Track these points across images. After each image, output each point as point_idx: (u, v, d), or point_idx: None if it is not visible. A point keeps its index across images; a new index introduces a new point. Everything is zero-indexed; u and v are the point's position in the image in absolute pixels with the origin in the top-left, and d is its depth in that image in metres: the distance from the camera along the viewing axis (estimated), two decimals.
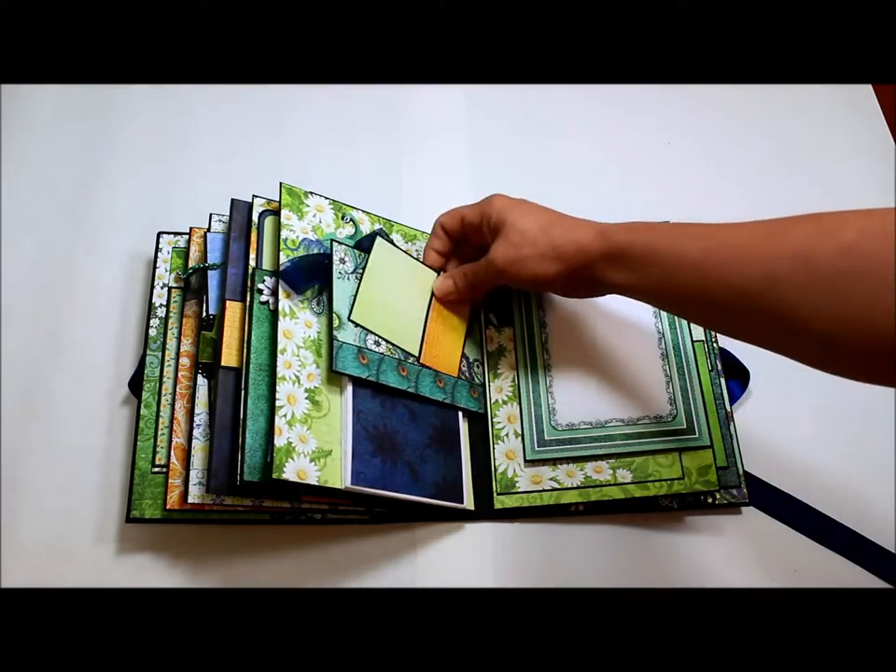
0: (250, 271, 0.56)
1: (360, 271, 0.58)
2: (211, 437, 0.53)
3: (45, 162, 0.71)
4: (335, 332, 0.54)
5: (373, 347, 0.55)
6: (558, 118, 0.77)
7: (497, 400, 0.60)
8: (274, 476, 0.48)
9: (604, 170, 0.74)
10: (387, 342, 0.56)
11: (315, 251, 0.58)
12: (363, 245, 0.60)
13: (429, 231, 0.65)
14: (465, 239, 0.59)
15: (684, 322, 0.60)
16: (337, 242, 0.58)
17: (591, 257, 0.50)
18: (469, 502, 0.57)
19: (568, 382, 0.59)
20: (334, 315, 0.55)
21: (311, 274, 0.56)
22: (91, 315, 0.64)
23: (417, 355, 0.57)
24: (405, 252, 0.61)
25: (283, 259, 0.56)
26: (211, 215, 0.62)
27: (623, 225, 0.50)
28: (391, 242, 0.61)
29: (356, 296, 0.56)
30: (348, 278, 0.57)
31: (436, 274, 0.61)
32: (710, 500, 0.57)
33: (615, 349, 0.60)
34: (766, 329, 0.43)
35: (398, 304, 0.58)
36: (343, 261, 0.57)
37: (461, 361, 0.60)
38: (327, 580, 0.56)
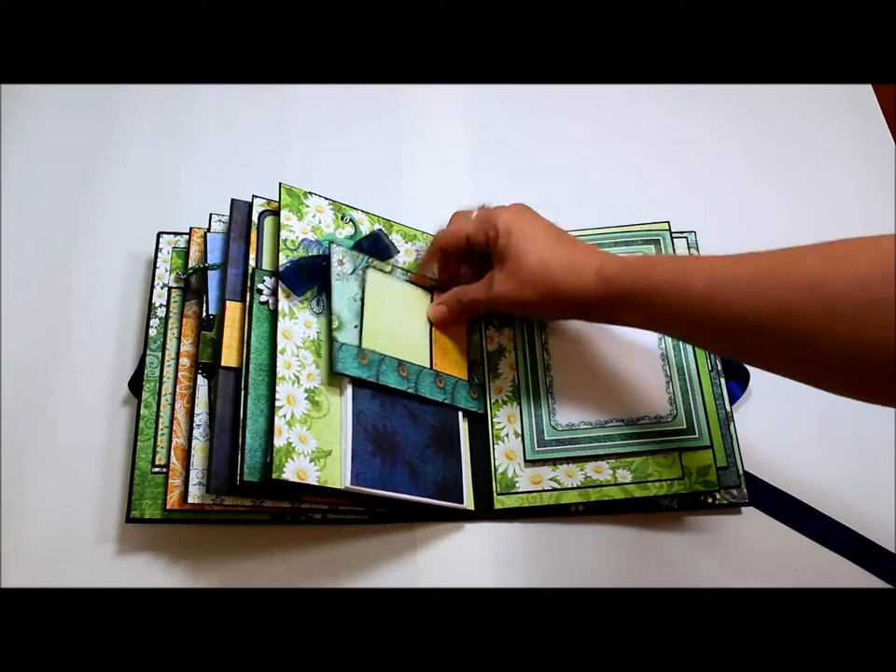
0: (250, 271, 0.56)
1: (360, 272, 0.58)
2: (211, 437, 0.53)
3: (45, 162, 0.71)
4: (335, 333, 0.54)
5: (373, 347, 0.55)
6: (558, 117, 0.77)
7: (496, 400, 0.60)
8: (274, 476, 0.48)
9: (603, 170, 0.73)
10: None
11: (315, 251, 0.58)
12: (363, 245, 0.60)
13: (429, 231, 0.65)
14: (465, 257, 0.58)
15: None
16: (335, 243, 0.58)
17: (594, 301, 0.50)
18: (469, 502, 0.57)
19: (568, 382, 0.59)
20: (334, 316, 0.55)
21: (309, 276, 0.56)
22: (91, 315, 0.64)
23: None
24: (398, 277, 0.60)
25: (282, 259, 0.56)
26: (211, 215, 0.62)
27: (625, 264, 0.49)
28: (387, 247, 0.61)
29: (361, 326, 0.56)
30: (347, 279, 0.57)
31: (427, 294, 0.61)
32: (710, 500, 0.57)
33: (615, 349, 0.60)
34: (780, 357, 0.43)
35: (402, 328, 0.58)
36: (341, 263, 0.57)
37: (468, 366, 0.60)
38: (327, 580, 0.56)
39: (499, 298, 0.54)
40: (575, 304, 0.51)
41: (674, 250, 0.64)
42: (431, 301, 0.61)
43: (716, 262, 0.45)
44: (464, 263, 0.59)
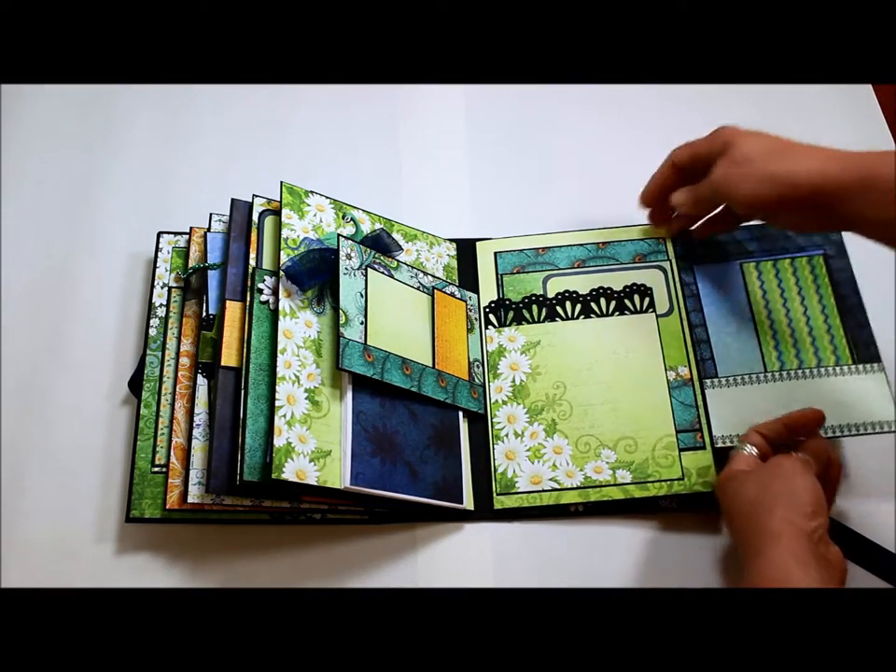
0: (250, 270, 0.56)
1: (363, 269, 0.58)
2: (211, 437, 0.53)
3: (45, 162, 0.71)
4: (342, 329, 0.54)
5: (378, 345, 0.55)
6: (558, 117, 0.77)
7: (496, 400, 0.60)
8: (274, 476, 0.48)
9: (603, 170, 0.73)
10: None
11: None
12: (367, 244, 0.59)
13: (430, 232, 0.66)
14: (692, 172, 0.59)
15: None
16: (343, 237, 0.58)
17: (833, 185, 0.48)
18: (468, 502, 0.57)
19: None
20: (341, 311, 0.55)
21: (315, 271, 0.56)
22: (91, 314, 0.64)
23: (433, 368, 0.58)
24: (403, 273, 0.60)
25: (283, 258, 0.56)
26: (211, 215, 0.62)
27: (869, 154, 0.48)
28: (389, 246, 0.61)
29: (366, 323, 0.56)
30: (354, 275, 0.57)
31: (427, 296, 0.61)
32: (710, 501, 0.57)
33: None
34: None
35: (405, 327, 0.58)
36: (349, 257, 0.57)
37: (468, 366, 0.60)
38: (327, 580, 0.56)
39: (713, 176, 0.55)
40: (800, 189, 0.49)
41: (676, 252, 0.64)
42: (432, 302, 0.61)
43: None
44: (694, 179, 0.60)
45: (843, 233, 0.63)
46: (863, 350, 0.59)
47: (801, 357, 0.59)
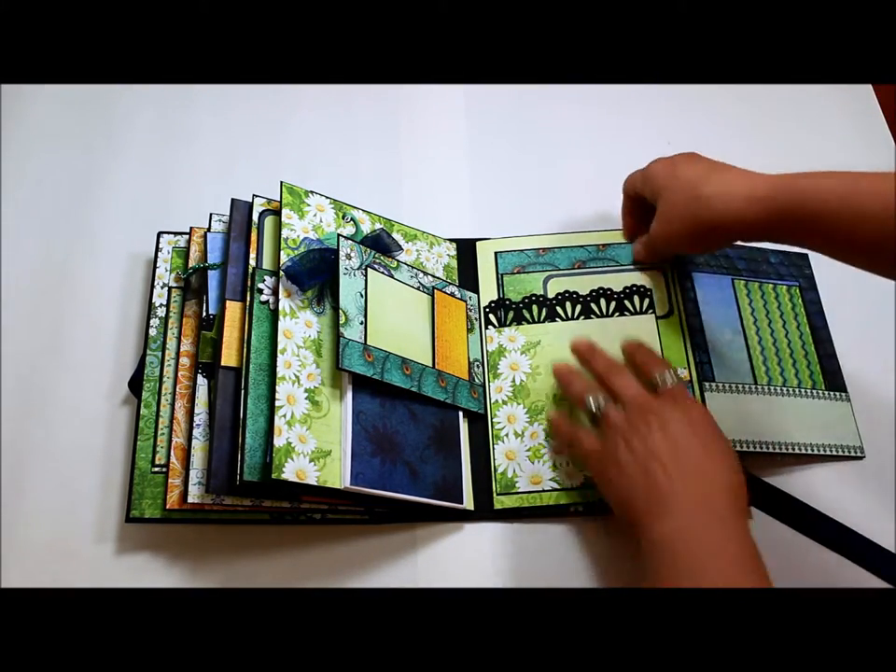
0: (251, 270, 0.56)
1: (363, 269, 0.58)
2: (211, 437, 0.53)
3: (45, 162, 0.71)
4: (341, 329, 0.54)
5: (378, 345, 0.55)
6: (558, 117, 0.77)
7: (496, 400, 0.60)
8: (273, 476, 0.48)
9: (603, 170, 0.73)
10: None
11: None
12: (367, 244, 0.59)
13: (430, 232, 0.66)
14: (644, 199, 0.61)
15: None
16: (343, 237, 0.58)
17: (749, 224, 0.51)
18: (468, 502, 0.57)
19: None
20: (341, 311, 0.55)
21: (315, 271, 0.56)
22: (91, 314, 0.64)
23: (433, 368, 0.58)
24: (403, 273, 0.60)
25: (283, 258, 0.56)
26: (211, 215, 0.62)
27: (782, 184, 0.50)
28: (389, 246, 0.61)
29: (366, 323, 0.56)
30: (354, 275, 0.57)
31: (427, 296, 0.61)
32: None
33: None
34: None
35: (405, 327, 0.58)
36: (349, 257, 0.57)
37: (468, 365, 0.60)
38: (327, 580, 0.56)
39: (654, 237, 0.58)
40: (730, 232, 0.53)
41: (675, 257, 0.64)
42: (432, 302, 0.61)
43: (880, 182, 0.45)
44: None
45: (812, 270, 0.67)
46: (831, 379, 0.62)
47: (784, 375, 0.61)
